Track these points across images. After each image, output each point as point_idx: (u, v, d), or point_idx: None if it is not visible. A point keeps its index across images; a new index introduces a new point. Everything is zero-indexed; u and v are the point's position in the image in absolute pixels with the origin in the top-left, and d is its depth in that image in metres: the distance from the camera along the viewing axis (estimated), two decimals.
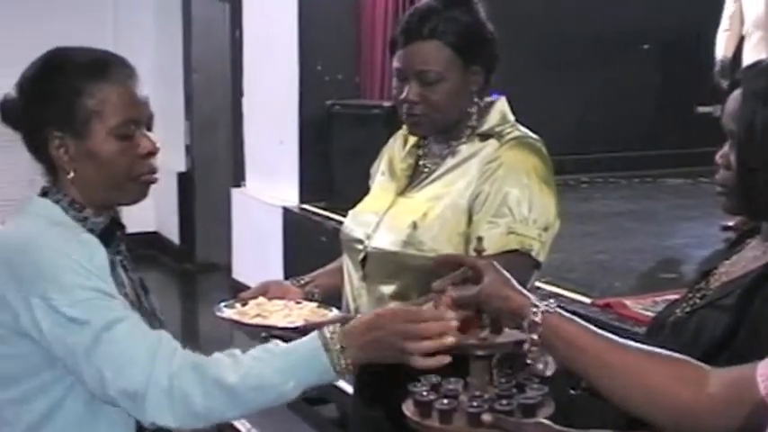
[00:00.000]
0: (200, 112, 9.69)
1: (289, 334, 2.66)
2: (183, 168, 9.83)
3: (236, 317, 2.71)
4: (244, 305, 2.75)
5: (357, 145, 6.41)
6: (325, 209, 6.88)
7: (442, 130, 2.87)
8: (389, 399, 2.74)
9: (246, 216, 8.03)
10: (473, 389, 2.04)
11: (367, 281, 2.85)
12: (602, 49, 8.22)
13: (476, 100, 2.81)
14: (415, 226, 2.75)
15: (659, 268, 5.28)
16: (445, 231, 2.72)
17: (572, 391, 2.21)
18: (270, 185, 7.67)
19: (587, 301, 4.35)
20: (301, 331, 2.63)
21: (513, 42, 7.61)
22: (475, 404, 1.97)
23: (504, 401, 1.98)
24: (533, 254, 2.69)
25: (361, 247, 2.86)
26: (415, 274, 2.74)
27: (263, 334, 2.82)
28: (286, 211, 7.26)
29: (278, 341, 2.30)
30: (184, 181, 9.78)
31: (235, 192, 8.31)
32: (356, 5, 7.35)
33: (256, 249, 7.74)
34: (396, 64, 2.83)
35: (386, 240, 2.81)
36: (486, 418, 1.93)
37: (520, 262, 2.61)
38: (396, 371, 2.75)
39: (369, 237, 2.85)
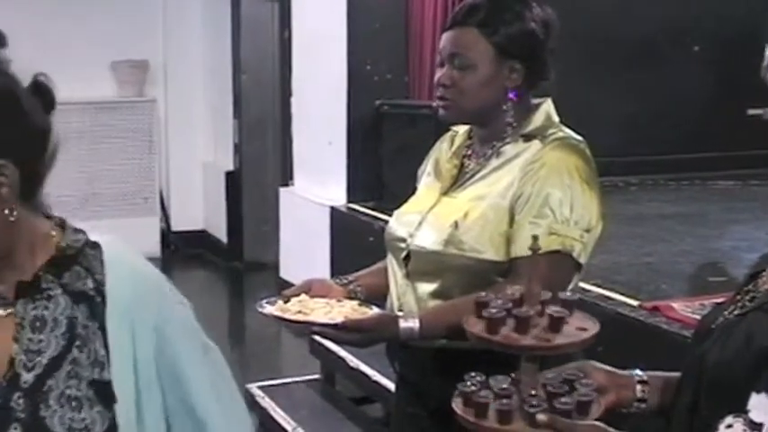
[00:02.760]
0: (248, 112, 9.74)
1: (328, 330, 2.68)
2: (231, 167, 9.88)
3: (277, 313, 2.73)
4: (286, 302, 2.77)
5: (406, 145, 6.41)
6: (372, 209, 6.89)
7: (471, 119, 2.90)
8: (431, 396, 2.76)
9: (294, 215, 8.06)
10: (525, 387, 2.02)
11: (410, 279, 2.86)
12: (652, 49, 8.17)
13: (511, 97, 2.82)
14: (456, 225, 2.76)
15: (708, 271, 5.24)
16: (486, 232, 2.73)
17: None
18: (318, 185, 7.68)
19: (635, 303, 4.32)
20: (340, 327, 2.65)
21: (560, 42, 7.60)
22: (534, 403, 1.95)
23: (563, 399, 1.96)
24: (574, 255, 2.69)
25: (403, 245, 2.88)
26: (456, 273, 2.76)
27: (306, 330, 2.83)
28: (334, 210, 7.28)
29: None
30: (233, 180, 9.83)
31: (283, 191, 8.34)
32: (405, 5, 7.35)
33: (304, 248, 7.76)
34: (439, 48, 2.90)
35: (428, 239, 2.82)
36: (542, 418, 1.91)
37: (561, 263, 2.62)
38: (437, 368, 2.77)
39: (411, 235, 2.87)
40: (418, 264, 2.85)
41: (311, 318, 2.70)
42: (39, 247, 1.81)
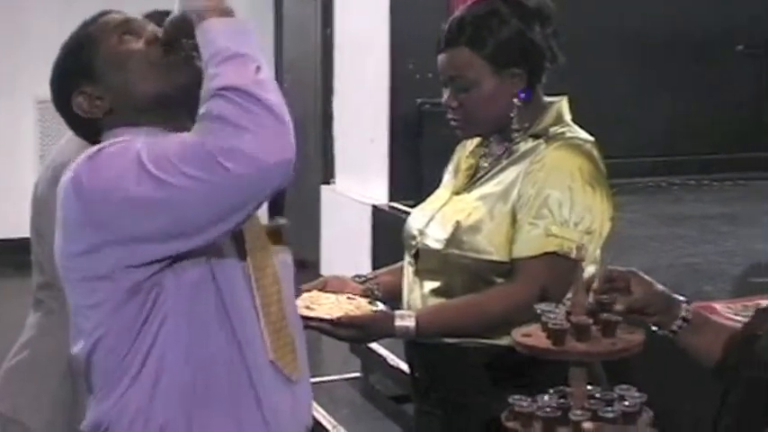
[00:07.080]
0: (291, 111, 9.74)
1: (324, 325, 2.69)
2: None
3: None
4: (297, 297, 2.80)
5: (447, 144, 6.36)
6: (414, 207, 6.87)
7: (488, 132, 2.90)
8: (439, 391, 2.79)
9: (336, 214, 8.07)
10: (573, 398, 2.01)
11: (418, 276, 2.88)
12: (695, 49, 8.12)
13: (516, 101, 2.80)
14: (458, 225, 2.78)
15: (751, 272, 5.19)
16: (487, 232, 2.74)
17: None
18: (359, 183, 7.69)
19: None
20: (336, 323, 2.66)
21: (603, 43, 7.57)
22: (578, 412, 1.94)
23: (609, 408, 1.95)
24: (573, 257, 2.68)
25: (414, 242, 2.92)
26: (458, 272, 2.78)
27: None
28: (375, 209, 7.28)
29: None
30: None
31: (324, 189, 8.35)
32: (448, 3, 7.34)
33: (345, 247, 7.77)
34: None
35: (433, 238, 2.85)
36: (588, 426, 1.91)
37: (559, 265, 2.60)
38: (445, 364, 2.79)
39: (421, 233, 2.90)
40: (425, 261, 2.88)
41: (313, 313, 2.71)
42: None
